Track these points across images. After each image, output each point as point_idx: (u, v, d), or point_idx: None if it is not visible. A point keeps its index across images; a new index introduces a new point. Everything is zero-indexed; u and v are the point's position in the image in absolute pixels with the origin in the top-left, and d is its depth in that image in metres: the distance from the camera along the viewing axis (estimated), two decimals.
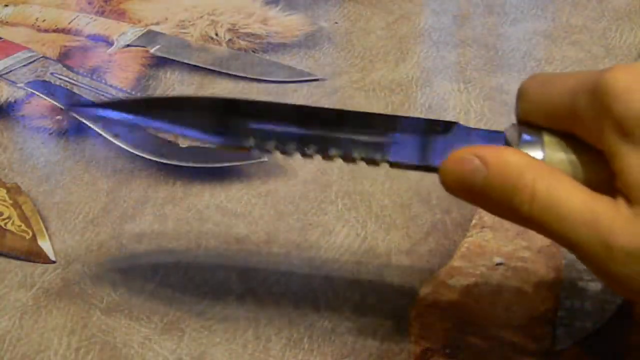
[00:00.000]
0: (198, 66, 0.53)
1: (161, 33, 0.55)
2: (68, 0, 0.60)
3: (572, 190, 0.25)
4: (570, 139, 0.26)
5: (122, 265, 0.37)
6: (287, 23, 0.57)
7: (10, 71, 0.49)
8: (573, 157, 0.26)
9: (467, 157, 0.26)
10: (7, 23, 0.57)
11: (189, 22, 0.56)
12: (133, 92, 0.47)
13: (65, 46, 0.54)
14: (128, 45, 0.54)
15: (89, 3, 0.59)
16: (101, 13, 0.58)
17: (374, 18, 0.59)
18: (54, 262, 0.37)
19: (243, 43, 0.55)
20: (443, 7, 0.61)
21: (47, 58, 0.51)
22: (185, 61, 0.53)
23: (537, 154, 0.26)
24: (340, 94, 0.50)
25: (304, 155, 0.28)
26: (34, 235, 0.38)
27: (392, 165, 0.28)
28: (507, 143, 0.28)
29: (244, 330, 0.34)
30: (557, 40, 0.56)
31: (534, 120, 0.27)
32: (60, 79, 0.48)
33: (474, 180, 0.26)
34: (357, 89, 0.51)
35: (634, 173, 0.24)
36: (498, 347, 0.31)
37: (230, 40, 0.55)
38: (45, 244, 0.38)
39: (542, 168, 0.25)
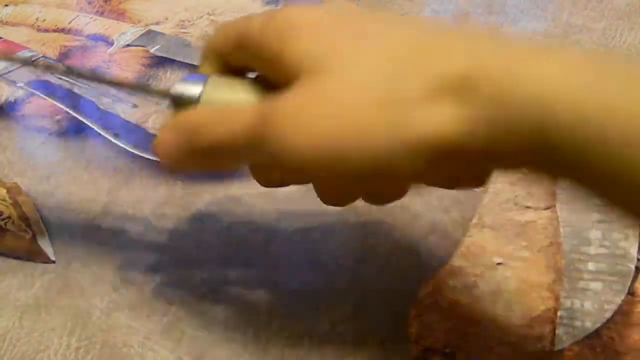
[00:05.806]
0: (198, 66, 0.52)
1: (161, 33, 0.55)
2: (68, 0, 0.60)
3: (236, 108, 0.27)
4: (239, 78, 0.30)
5: (122, 265, 0.37)
6: None
7: (10, 71, 0.49)
8: (233, 84, 0.30)
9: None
10: (7, 23, 0.57)
11: (189, 22, 0.56)
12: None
13: (65, 46, 0.53)
14: (128, 45, 0.54)
15: (89, 3, 0.59)
16: (101, 13, 0.58)
17: None
18: (54, 262, 0.37)
19: None
20: (443, 7, 0.61)
21: (47, 58, 0.51)
22: (185, 61, 0.53)
23: (197, 88, 0.30)
24: None
25: None
26: (34, 235, 0.38)
27: None
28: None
29: (244, 330, 0.34)
30: (557, 40, 0.56)
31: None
32: (60, 78, 0.48)
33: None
34: None
35: (288, 58, 0.26)
36: (498, 347, 0.31)
37: None
38: (45, 244, 0.38)
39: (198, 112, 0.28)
